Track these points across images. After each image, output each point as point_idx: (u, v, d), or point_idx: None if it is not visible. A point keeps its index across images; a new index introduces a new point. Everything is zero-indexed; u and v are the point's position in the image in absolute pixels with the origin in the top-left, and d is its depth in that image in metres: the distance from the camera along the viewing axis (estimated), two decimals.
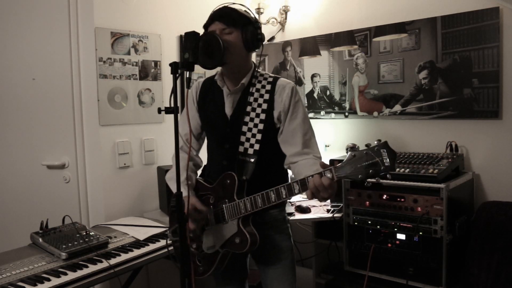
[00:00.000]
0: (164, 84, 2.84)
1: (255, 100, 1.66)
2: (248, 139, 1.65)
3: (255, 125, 1.64)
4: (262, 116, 1.64)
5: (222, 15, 1.61)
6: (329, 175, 1.36)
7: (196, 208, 1.61)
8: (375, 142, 1.31)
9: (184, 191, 1.47)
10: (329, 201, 2.68)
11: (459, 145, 2.53)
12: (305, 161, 1.60)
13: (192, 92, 1.81)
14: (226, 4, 1.65)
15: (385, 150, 1.28)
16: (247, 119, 1.65)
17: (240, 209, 1.58)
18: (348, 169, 1.32)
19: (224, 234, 1.63)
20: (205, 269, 1.71)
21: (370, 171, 1.29)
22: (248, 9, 1.69)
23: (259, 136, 1.63)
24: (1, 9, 2.67)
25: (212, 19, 1.62)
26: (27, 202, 2.71)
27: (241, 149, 1.65)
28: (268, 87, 1.66)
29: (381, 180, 1.32)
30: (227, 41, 1.58)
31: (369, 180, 1.34)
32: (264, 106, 1.65)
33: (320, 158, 1.65)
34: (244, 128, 1.65)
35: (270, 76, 1.70)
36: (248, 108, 1.66)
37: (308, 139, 1.65)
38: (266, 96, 1.65)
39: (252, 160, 1.63)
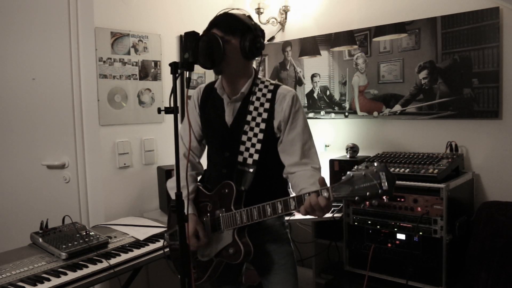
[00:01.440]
0: (164, 84, 2.84)
1: (255, 109, 1.64)
2: (247, 149, 1.63)
3: (255, 135, 1.62)
4: (262, 125, 1.62)
5: (221, 22, 1.58)
6: (325, 194, 1.34)
7: (196, 230, 1.62)
8: (375, 164, 1.30)
9: (186, 205, 1.47)
10: None
11: (459, 145, 2.53)
12: (302, 172, 1.58)
13: (194, 97, 1.80)
14: (227, 10, 1.62)
15: (384, 173, 1.26)
16: (246, 128, 1.63)
17: (236, 220, 1.56)
18: (345, 190, 1.31)
19: (219, 243, 1.63)
20: (199, 276, 1.70)
21: (368, 193, 1.27)
22: (249, 16, 1.66)
23: (258, 146, 1.62)
24: (1, 9, 2.67)
25: (211, 26, 1.59)
26: (27, 202, 2.71)
27: (240, 158, 1.64)
28: (269, 95, 1.64)
29: (377, 203, 1.30)
30: (224, 50, 1.55)
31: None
32: (264, 115, 1.62)
33: (319, 168, 1.62)
34: (244, 138, 1.63)
35: (271, 84, 1.67)
36: (248, 117, 1.64)
37: (307, 149, 1.63)
38: (267, 105, 1.63)
39: (251, 170, 1.61)
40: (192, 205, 1.68)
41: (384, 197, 1.27)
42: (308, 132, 1.65)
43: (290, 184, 1.64)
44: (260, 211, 1.49)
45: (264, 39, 1.66)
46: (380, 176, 1.26)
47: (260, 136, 1.62)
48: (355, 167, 1.31)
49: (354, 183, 1.29)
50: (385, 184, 1.25)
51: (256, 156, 1.62)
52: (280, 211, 1.46)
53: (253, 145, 1.62)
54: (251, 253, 1.58)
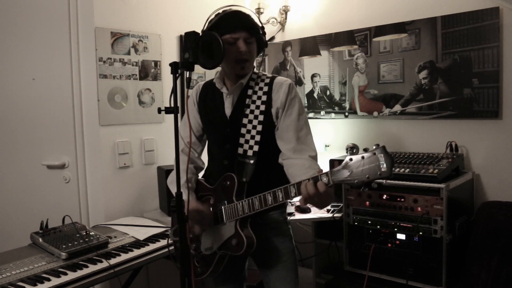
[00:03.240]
0: (164, 84, 2.84)
1: (253, 102, 1.66)
2: (247, 141, 1.65)
3: (254, 127, 1.65)
4: (261, 117, 1.64)
5: (248, 25, 1.61)
6: (325, 179, 1.34)
7: (197, 210, 1.61)
8: (373, 147, 1.29)
9: (184, 194, 1.47)
10: None
11: (459, 145, 2.53)
12: (300, 161, 1.58)
13: (193, 94, 1.82)
14: (241, 10, 1.65)
15: (382, 156, 1.26)
16: (245, 121, 1.66)
17: (238, 211, 1.57)
18: (345, 174, 1.31)
19: (222, 235, 1.63)
20: (203, 270, 1.70)
21: (367, 176, 1.27)
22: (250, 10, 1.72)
23: (258, 138, 1.63)
24: (1, 9, 2.67)
25: (236, 27, 1.59)
26: (27, 202, 2.71)
27: (240, 151, 1.65)
28: (266, 88, 1.67)
29: (376, 185, 1.30)
30: (251, 52, 1.62)
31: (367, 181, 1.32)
32: (262, 107, 1.65)
33: (316, 156, 1.63)
34: (243, 130, 1.65)
35: (267, 77, 1.70)
36: (247, 111, 1.66)
37: (304, 136, 1.64)
38: (264, 98, 1.66)
39: (252, 161, 1.63)
40: (191, 192, 1.69)
41: (383, 181, 1.27)
42: (304, 119, 1.67)
43: (285, 171, 1.62)
44: (261, 200, 1.50)
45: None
46: (379, 159, 1.26)
47: (259, 128, 1.64)
48: (354, 151, 1.31)
49: (353, 167, 1.29)
50: (383, 166, 1.25)
51: (256, 148, 1.63)
52: (281, 199, 1.46)
53: (252, 137, 1.64)
54: (253, 244, 1.58)
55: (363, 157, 1.28)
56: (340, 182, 1.33)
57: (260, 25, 1.67)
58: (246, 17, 1.63)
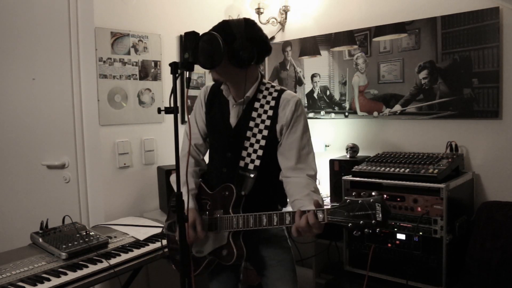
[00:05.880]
0: (164, 84, 2.84)
1: (259, 116, 1.66)
2: (249, 154, 1.64)
3: (257, 141, 1.64)
4: (265, 132, 1.64)
5: (214, 29, 1.60)
6: (320, 215, 1.36)
7: (195, 222, 1.61)
8: (373, 194, 1.30)
9: (185, 196, 1.46)
10: (329, 200, 2.68)
11: (459, 145, 2.53)
12: (297, 180, 1.59)
13: (201, 96, 1.82)
14: (228, 19, 1.63)
15: (380, 205, 1.27)
16: (249, 134, 1.65)
17: (232, 223, 1.58)
18: (340, 215, 1.32)
19: (213, 242, 1.64)
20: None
21: (361, 222, 1.28)
22: (250, 24, 1.66)
23: (260, 152, 1.63)
24: (1, 9, 2.67)
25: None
26: (27, 202, 2.71)
27: (241, 163, 1.65)
28: (273, 103, 1.66)
29: (369, 232, 1.30)
30: (218, 73, 1.62)
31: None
32: (268, 122, 1.64)
33: (315, 175, 1.63)
34: (246, 143, 1.65)
35: (275, 90, 1.68)
36: (251, 123, 1.65)
37: (305, 154, 1.64)
38: (270, 112, 1.65)
39: (252, 175, 1.63)
40: (194, 200, 1.68)
41: (377, 229, 1.28)
42: (307, 138, 1.66)
43: (285, 189, 1.64)
44: (256, 220, 1.52)
45: (258, 48, 1.63)
46: (376, 207, 1.27)
47: (262, 142, 1.63)
48: (353, 194, 1.32)
49: (350, 210, 1.31)
50: (379, 216, 1.27)
51: (257, 162, 1.63)
52: (275, 223, 1.48)
53: (255, 151, 1.64)
54: (243, 256, 1.59)
55: (361, 203, 1.29)
56: (334, 222, 1.35)
57: (236, 34, 1.56)
58: (219, 24, 1.62)
